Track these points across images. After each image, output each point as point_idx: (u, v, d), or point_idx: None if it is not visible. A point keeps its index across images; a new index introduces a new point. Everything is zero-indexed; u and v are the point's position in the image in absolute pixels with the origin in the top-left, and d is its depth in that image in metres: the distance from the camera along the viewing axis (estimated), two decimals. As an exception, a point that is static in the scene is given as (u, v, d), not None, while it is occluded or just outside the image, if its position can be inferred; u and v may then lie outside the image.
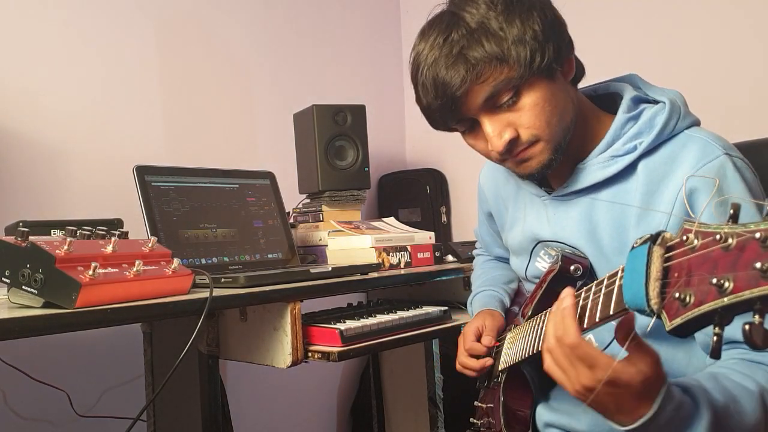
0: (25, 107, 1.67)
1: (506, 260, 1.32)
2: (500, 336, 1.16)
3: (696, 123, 0.97)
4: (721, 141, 0.92)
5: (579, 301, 0.75)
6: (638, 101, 0.99)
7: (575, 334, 0.72)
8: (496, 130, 0.93)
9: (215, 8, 2.06)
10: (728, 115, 1.68)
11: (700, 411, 0.72)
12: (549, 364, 0.77)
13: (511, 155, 0.95)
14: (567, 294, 0.76)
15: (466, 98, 0.91)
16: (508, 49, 0.87)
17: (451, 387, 1.95)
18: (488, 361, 1.11)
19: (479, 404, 1.19)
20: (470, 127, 0.97)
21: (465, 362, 1.15)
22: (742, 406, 0.75)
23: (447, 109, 0.93)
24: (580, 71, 1.00)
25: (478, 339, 1.14)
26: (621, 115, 0.97)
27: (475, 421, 1.20)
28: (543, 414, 1.07)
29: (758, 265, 0.46)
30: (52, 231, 1.27)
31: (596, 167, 0.97)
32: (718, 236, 0.49)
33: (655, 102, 0.98)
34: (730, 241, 0.48)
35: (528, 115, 0.91)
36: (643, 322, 0.91)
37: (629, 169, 0.94)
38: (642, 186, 0.93)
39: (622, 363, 0.68)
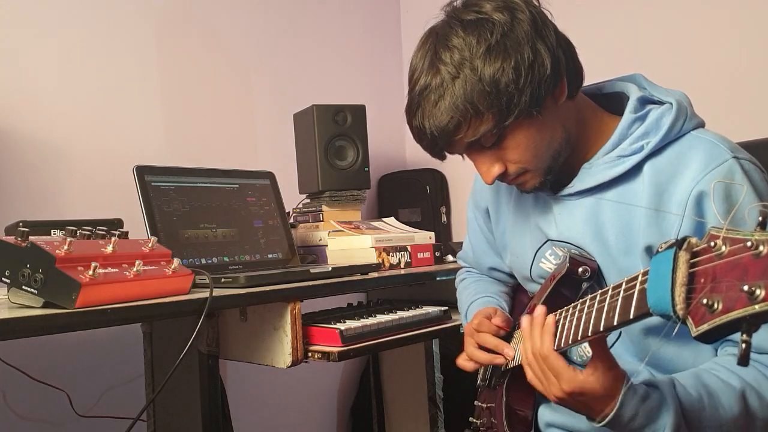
0: (25, 107, 1.67)
1: (499, 272, 1.27)
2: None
3: (701, 124, 0.97)
4: (727, 143, 0.92)
5: (594, 303, 0.77)
6: (644, 102, 0.99)
7: (547, 345, 0.83)
8: (484, 166, 0.97)
9: (215, 8, 2.06)
10: (729, 115, 1.68)
11: (667, 402, 0.79)
12: (530, 376, 0.88)
13: (503, 181, 1.00)
14: (542, 312, 0.86)
15: (449, 145, 0.95)
16: (483, 101, 0.88)
17: (451, 387, 1.95)
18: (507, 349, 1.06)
19: (479, 403, 1.19)
20: (463, 155, 1.00)
21: (479, 339, 1.08)
22: (719, 400, 0.81)
23: (432, 151, 0.98)
24: (577, 81, 0.98)
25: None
26: (628, 115, 0.97)
27: (474, 420, 1.20)
28: (545, 414, 1.07)
29: None
30: (52, 231, 1.27)
31: (602, 167, 0.96)
32: (749, 243, 0.49)
33: (661, 103, 0.98)
34: (761, 248, 0.48)
35: (513, 153, 0.94)
36: (650, 323, 0.92)
37: (635, 170, 0.94)
38: (648, 187, 0.92)
39: (583, 374, 0.79)
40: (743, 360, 0.50)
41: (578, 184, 0.99)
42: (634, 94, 0.99)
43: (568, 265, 0.95)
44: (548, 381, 0.83)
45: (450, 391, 1.95)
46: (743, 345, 0.50)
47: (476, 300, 1.22)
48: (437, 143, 0.94)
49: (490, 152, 0.95)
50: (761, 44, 1.67)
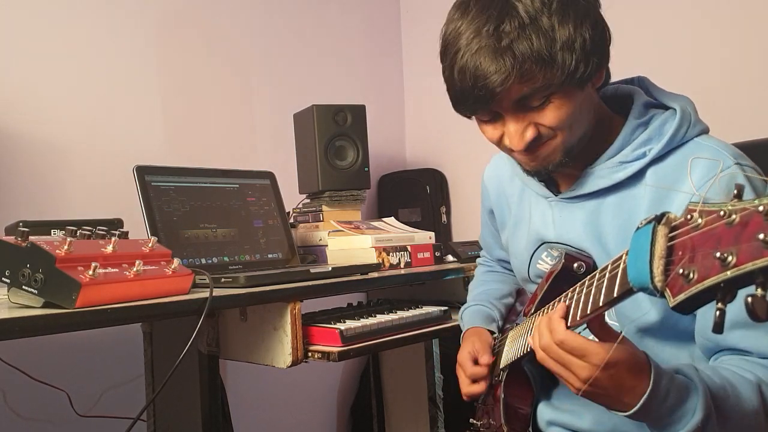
0: (25, 107, 1.67)
1: (507, 263, 1.30)
2: (499, 339, 1.16)
3: (705, 131, 0.96)
4: (730, 150, 0.91)
5: (583, 289, 0.76)
6: (648, 107, 0.99)
7: (561, 330, 0.77)
8: (519, 129, 0.91)
9: (215, 8, 2.06)
10: (728, 115, 1.67)
11: (695, 383, 0.76)
12: (552, 368, 0.81)
13: (528, 150, 0.94)
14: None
15: (503, 94, 0.88)
16: (556, 52, 0.85)
17: (451, 387, 1.94)
18: (487, 381, 1.10)
19: (480, 404, 1.19)
20: (492, 118, 0.95)
21: (470, 390, 1.12)
22: (739, 391, 0.78)
23: (479, 100, 0.90)
24: (607, 78, 0.99)
25: (476, 363, 1.12)
26: (632, 120, 0.96)
27: (474, 421, 1.20)
28: (545, 412, 1.07)
29: (761, 236, 0.46)
30: (52, 231, 1.27)
31: (605, 172, 0.96)
32: (721, 212, 0.50)
33: (665, 108, 0.97)
34: (733, 216, 0.48)
35: (551, 119, 0.90)
36: (640, 320, 0.92)
37: (637, 176, 0.94)
38: (650, 193, 0.92)
39: (606, 346, 0.74)
40: (717, 328, 0.50)
41: (579, 188, 0.99)
42: (639, 98, 0.99)
43: (563, 261, 0.95)
44: (573, 365, 0.76)
45: (450, 391, 1.95)
46: (717, 312, 0.50)
47: (470, 307, 1.27)
48: (491, 90, 0.86)
49: (527, 115, 0.91)
50: (761, 44, 1.67)
